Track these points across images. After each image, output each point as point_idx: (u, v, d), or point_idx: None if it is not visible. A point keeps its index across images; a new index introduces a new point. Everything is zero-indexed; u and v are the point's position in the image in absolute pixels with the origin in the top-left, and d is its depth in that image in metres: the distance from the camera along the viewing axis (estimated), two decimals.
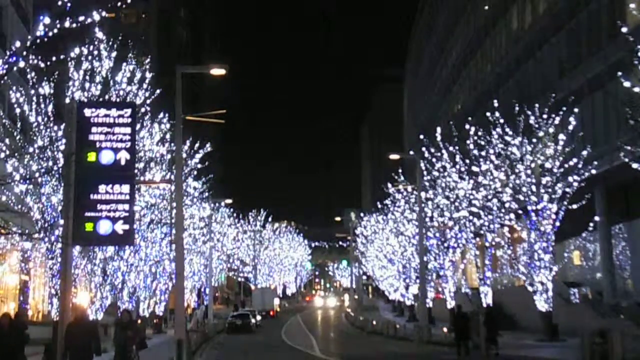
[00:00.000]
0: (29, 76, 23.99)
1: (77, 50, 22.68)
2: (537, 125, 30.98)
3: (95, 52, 26.28)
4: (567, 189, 30.06)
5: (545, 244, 30.50)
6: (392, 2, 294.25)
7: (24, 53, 15.51)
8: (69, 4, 14.95)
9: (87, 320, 16.90)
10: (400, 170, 48.71)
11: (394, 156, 40.16)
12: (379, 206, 60.70)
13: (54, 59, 18.20)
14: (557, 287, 33.37)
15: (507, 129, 31.43)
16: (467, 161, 35.05)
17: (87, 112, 18.49)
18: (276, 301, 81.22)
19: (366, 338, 42.02)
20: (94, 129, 18.26)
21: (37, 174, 22.13)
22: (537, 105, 31.53)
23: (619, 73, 22.34)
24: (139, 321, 37.73)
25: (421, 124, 79.47)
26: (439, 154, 38.45)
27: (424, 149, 39.86)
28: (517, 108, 31.87)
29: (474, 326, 27.28)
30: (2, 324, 16.43)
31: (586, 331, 20.49)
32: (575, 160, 29.91)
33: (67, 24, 15.00)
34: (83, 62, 25.43)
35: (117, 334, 18.61)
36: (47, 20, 14.82)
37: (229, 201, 64.95)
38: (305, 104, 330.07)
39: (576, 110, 31.77)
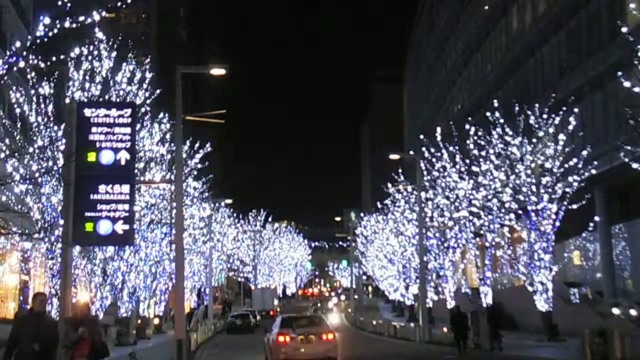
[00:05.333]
0: (29, 76, 24.00)
1: (77, 50, 22.70)
2: (537, 125, 30.95)
3: (95, 52, 26.33)
4: (567, 189, 30.02)
5: (545, 244, 30.47)
6: (392, 2, 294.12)
7: (24, 53, 15.50)
8: (69, 4, 14.96)
9: (47, 317, 12.16)
10: (400, 170, 48.65)
11: (394, 156, 40.11)
12: (379, 206, 60.64)
13: (54, 59, 18.18)
14: (557, 287, 33.35)
15: (507, 129, 31.40)
16: (467, 161, 35.02)
17: (87, 112, 18.44)
18: (276, 301, 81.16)
19: (367, 338, 42.00)
20: (94, 129, 18.21)
21: (37, 174, 22.13)
22: (537, 105, 31.49)
23: (619, 73, 22.32)
24: (139, 321, 37.78)
25: (421, 124, 79.45)
26: (439, 154, 38.40)
27: (424, 149, 39.82)
28: (517, 108, 31.84)
29: (473, 325, 28.05)
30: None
31: (586, 331, 20.43)
32: (575, 160, 29.88)
33: (67, 24, 15.00)
34: (83, 62, 25.47)
35: (66, 336, 12.25)
36: (47, 20, 14.82)
37: (229, 201, 64.89)
38: (305, 104, 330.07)
39: (576, 110, 31.73)
